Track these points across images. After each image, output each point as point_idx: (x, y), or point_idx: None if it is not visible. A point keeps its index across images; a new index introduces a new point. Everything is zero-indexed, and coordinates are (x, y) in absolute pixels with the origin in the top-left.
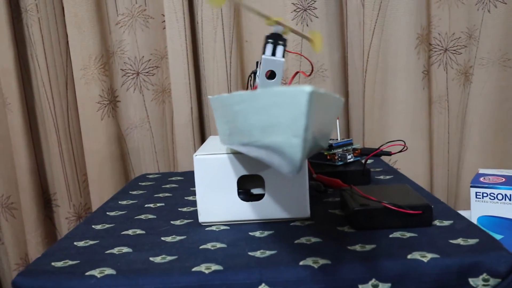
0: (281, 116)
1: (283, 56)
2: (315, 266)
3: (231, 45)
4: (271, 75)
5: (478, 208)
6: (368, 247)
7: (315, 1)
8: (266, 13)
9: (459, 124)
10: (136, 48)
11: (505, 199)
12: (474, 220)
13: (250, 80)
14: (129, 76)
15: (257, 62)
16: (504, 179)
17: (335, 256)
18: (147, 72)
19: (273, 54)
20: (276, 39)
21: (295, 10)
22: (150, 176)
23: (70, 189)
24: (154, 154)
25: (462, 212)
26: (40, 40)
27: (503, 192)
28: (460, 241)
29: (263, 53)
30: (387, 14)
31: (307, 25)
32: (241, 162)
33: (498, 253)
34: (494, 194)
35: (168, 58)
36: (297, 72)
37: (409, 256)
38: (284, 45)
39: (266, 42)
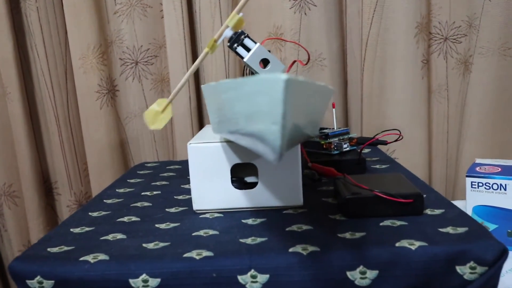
0: (262, 104)
1: (255, 42)
2: (304, 253)
3: None
4: (265, 63)
5: (473, 198)
6: (358, 234)
7: None
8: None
9: (458, 114)
10: (134, 37)
11: (500, 189)
12: (469, 210)
13: (246, 69)
14: (127, 65)
15: (244, 66)
16: (500, 169)
17: (324, 243)
18: (145, 62)
19: (248, 50)
20: (237, 39)
21: None
22: (149, 165)
23: (70, 177)
24: (154, 143)
25: (458, 202)
26: (39, 30)
27: (499, 182)
28: (449, 229)
29: (242, 58)
30: (385, 2)
31: (305, 13)
32: (234, 151)
33: (486, 241)
34: (489, 183)
35: (166, 47)
36: (294, 61)
37: (397, 244)
38: (246, 36)
39: (235, 49)
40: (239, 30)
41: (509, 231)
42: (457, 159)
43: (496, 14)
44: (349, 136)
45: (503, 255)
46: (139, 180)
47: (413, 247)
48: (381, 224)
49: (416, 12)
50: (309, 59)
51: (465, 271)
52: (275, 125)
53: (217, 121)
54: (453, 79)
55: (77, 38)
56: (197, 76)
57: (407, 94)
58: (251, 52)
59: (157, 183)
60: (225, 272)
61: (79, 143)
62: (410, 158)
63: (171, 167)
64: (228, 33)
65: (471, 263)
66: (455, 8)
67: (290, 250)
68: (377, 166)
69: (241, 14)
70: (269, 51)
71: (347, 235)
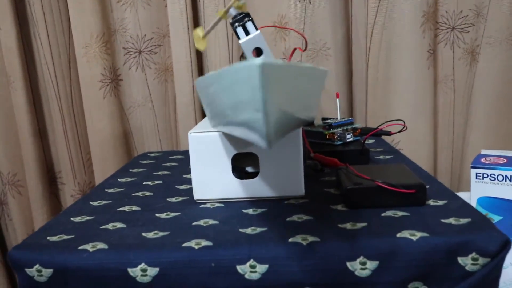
0: (243, 92)
1: (257, 29)
2: (304, 243)
3: None
4: (258, 53)
5: (478, 189)
6: (359, 225)
7: None
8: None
9: (465, 105)
10: (138, 26)
11: (506, 180)
12: (474, 201)
13: (244, 55)
14: (131, 54)
15: (242, 53)
16: (505, 160)
17: (325, 233)
18: (149, 51)
19: (247, 33)
20: (240, 19)
21: None
22: (152, 155)
23: (74, 167)
24: (157, 132)
25: (463, 193)
26: (42, 19)
27: (504, 173)
28: (452, 220)
29: (238, 39)
30: None
31: (310, 2)
32: (235, 140)
33: (489, 232)
34: (494, 175)
35: (170, 37)
36: (295, 49)
37: (398, 235)
38: (250, 19)
39: (234, 28)
40: (246, 12)
41: None
42: (462, 150)
43: (505, 2)
44: (353, 126)
45: (506, 246)
46: (141, 170)
47: (414, 238)
48: (382, 214)
49: (423, 1)
50: (306, 44)
51: (467, 262)
52: (258, 112)
53: (210, 116)
54: (460, 70)
55: (80, 27)
56: (200, 65)
57: (412, 84)
58: (249, 36)
59: (159, 172)
60: (224, 262)
61: (82, 132)
62: (415, 149)
63: (174, 157)
64: (233, 11)
65: (473, 254)
66: None
67: (290, 240)
68: (381, 157)
69: (242, 1)
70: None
71: (348, 225)
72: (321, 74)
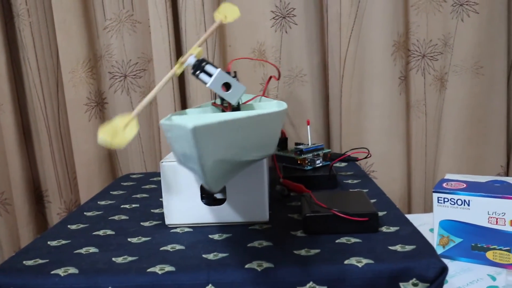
0: (185, 147)
1: (216, 67)
2: (259, 269)
3: (214, 50)
4: (227, 87)
5: (440, 212)
6: (313, 251)
7: (294, 9)
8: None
9: (436, 129)
10: (123, 51)
11: (464, 205)
12: (436, 224)
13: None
14: (116, 78)
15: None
16: (465, 185)
17: (280, 259)
18: (134, 75)
19: (210, 75)
20: (198, 67)
21: (273, 18)
22: (133, 176)
23: (61, 186)
24: (142, 154)
25: (429, 215)
26: (31, 44)
27: (463, 198)
28: (398, 247)
29: (205, 84)
30: (363, 22)
31: (286, 31)
32: None
33: (429, 259)
34: (454, 199)
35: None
36: (270, 77)
37: (346, 262)
38: (208, 62)
39: (197, 76)
40: (201, 58)
41: (473, 244)
42: (434, 172)
43: (469, 34)
44: (324, 151)
45: (443, 273)
46: (121, 192)
47: (360, 265)
48: (337, 241)
49: (394, 31)
50: (279, 75)
51: (408, 287)
52: (197, 166)
53: (173, 153)
54: (431, 95)
55: (67, 53)
56: (183, 91)
57: (384, 109)
58: (212, 78)
59: (138, 195)
60: (185, 286)
61: (69, 153)
62: (388, 172)
63: (154, 179)
64: (191, 60)
65: (414, 280)
66: (432, 27)
67: (247, 266)
68: (349, 181)
69: (198, 49)
70: (235, 72)
71: (303, 252)
72: (274, 117)
